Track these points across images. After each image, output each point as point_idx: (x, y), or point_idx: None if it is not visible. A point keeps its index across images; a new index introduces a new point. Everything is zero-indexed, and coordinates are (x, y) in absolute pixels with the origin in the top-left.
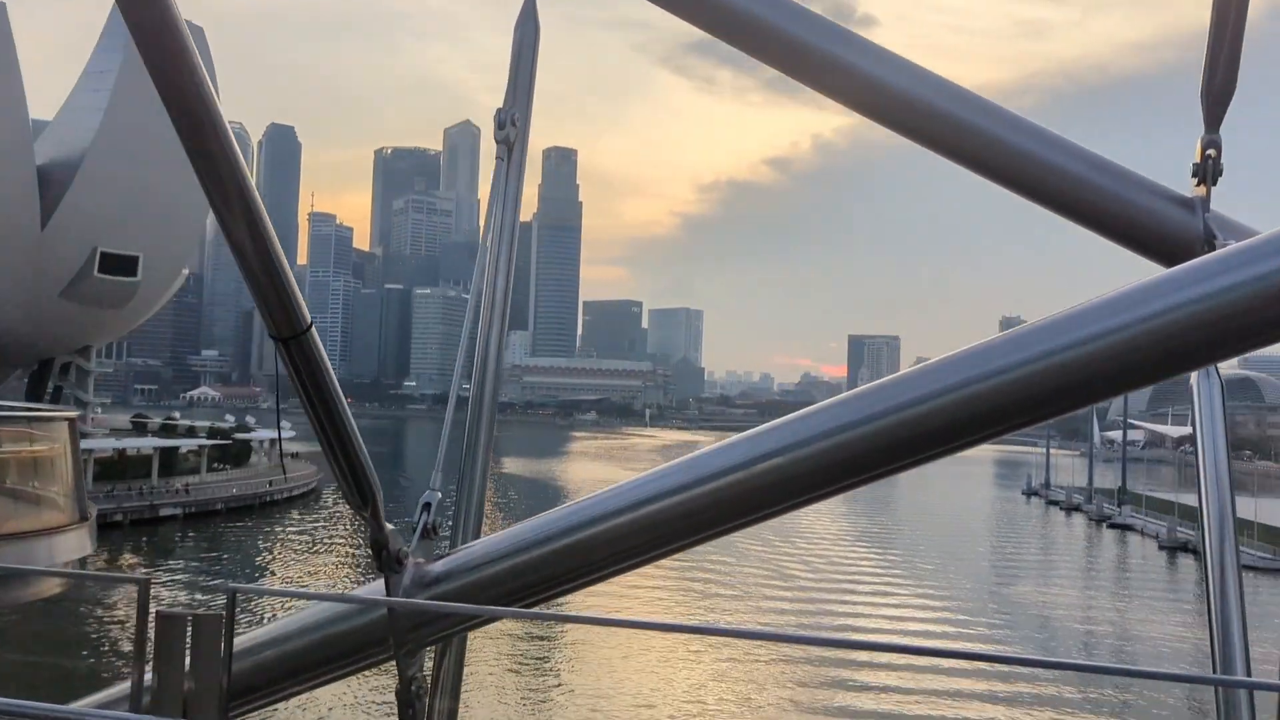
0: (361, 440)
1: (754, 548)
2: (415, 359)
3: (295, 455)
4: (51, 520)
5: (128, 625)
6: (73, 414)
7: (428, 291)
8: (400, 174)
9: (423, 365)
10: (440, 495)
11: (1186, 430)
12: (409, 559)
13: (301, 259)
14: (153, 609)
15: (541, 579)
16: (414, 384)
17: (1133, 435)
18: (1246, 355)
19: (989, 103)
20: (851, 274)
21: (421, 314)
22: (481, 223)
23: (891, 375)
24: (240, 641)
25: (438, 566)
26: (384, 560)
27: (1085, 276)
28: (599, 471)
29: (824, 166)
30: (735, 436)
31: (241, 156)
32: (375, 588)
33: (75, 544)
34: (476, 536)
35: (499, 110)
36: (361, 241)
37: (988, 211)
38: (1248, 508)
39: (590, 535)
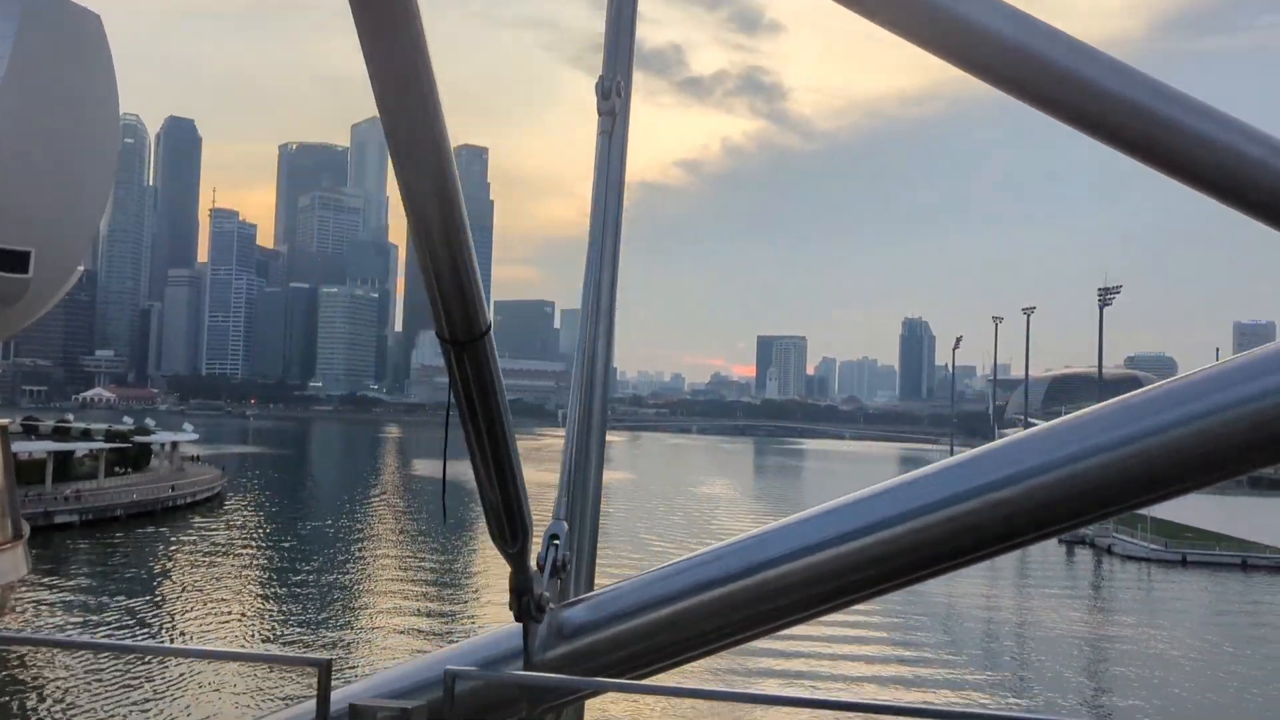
0: (521, 466)
1: (662, 544)
2: (322, 359)
3: (196, 458)
4: None
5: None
6: (3, 421)
7: (335, 290)
8: (306, 170)
9: (329, 366)
10: (566, 526)
11: None
12: (549, 605)
13: (202, 257)
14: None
15: (705, 631)
16: (320, 385)
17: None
18: (1130, 353)
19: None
20: (760, 275)
21: (328, 313)
22: (589, 204)
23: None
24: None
25: (577, 613)
26: (524, 607)
27: (981, 282)
28: None
29: (733, 169)
30: (947, 462)
31: (451, 146)
32: (498, 638)
33: (9, 566)
34: (592, 574)
35: (600, 79)
36: (266, 239)
37: (888, 215)
38: None
39: (771, 578)
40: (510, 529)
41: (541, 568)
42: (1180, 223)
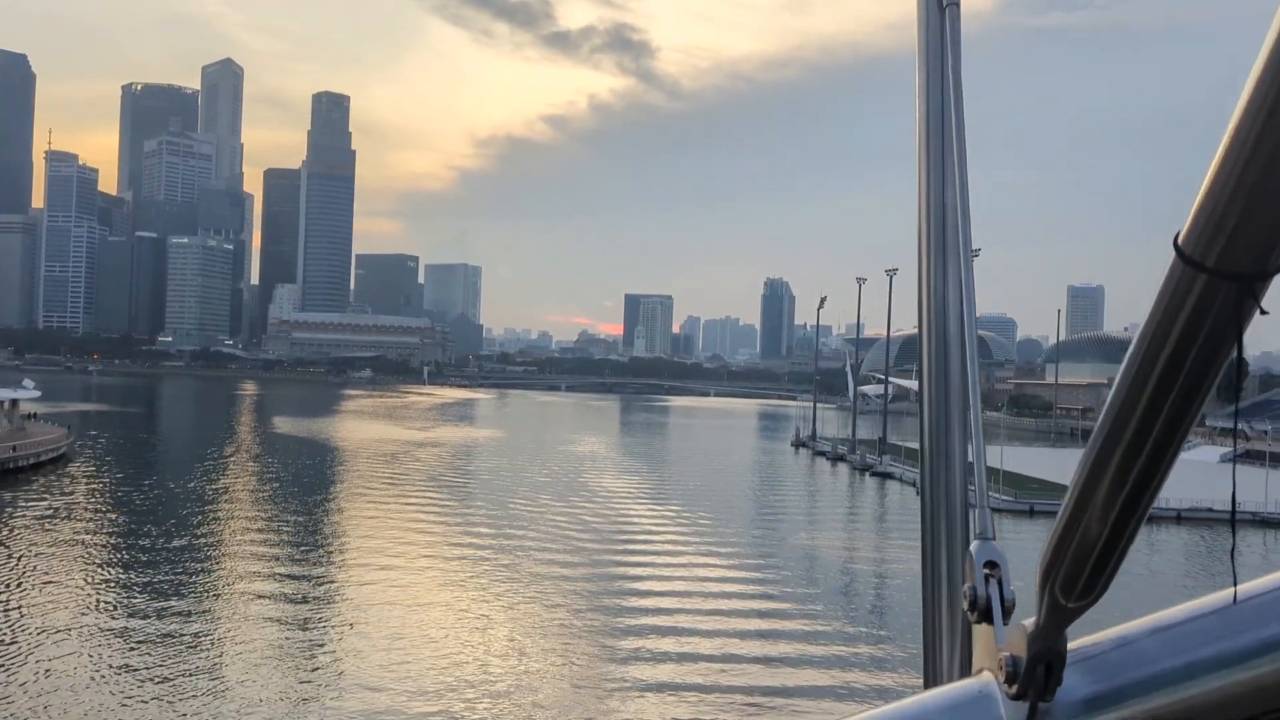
0: None
1: (529, 508)
2: (171, 313)
3: (33, 416)
4: None
5: None
6: None
7: (185, 241)
8: (153, 113)
9: (180, 320)
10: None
11: None
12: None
13: (37, 202)
14: None
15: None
16: (170, 340)
17: (881, 389)
18: (977, 315)
19: None
20: (627, 234)
21: (178, 265)
22: (916, 108)
23: None
24: None
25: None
26: (1030, 680)
27: (849, 241)
28: (377, 431)
29: (600, 126)
30: None
31: None
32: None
33: None
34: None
35: None
36: (108, 185)
37: (752, 175)
38: (995, 456)
39: None
40: (1092, 576)
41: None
42: (1018, 191)
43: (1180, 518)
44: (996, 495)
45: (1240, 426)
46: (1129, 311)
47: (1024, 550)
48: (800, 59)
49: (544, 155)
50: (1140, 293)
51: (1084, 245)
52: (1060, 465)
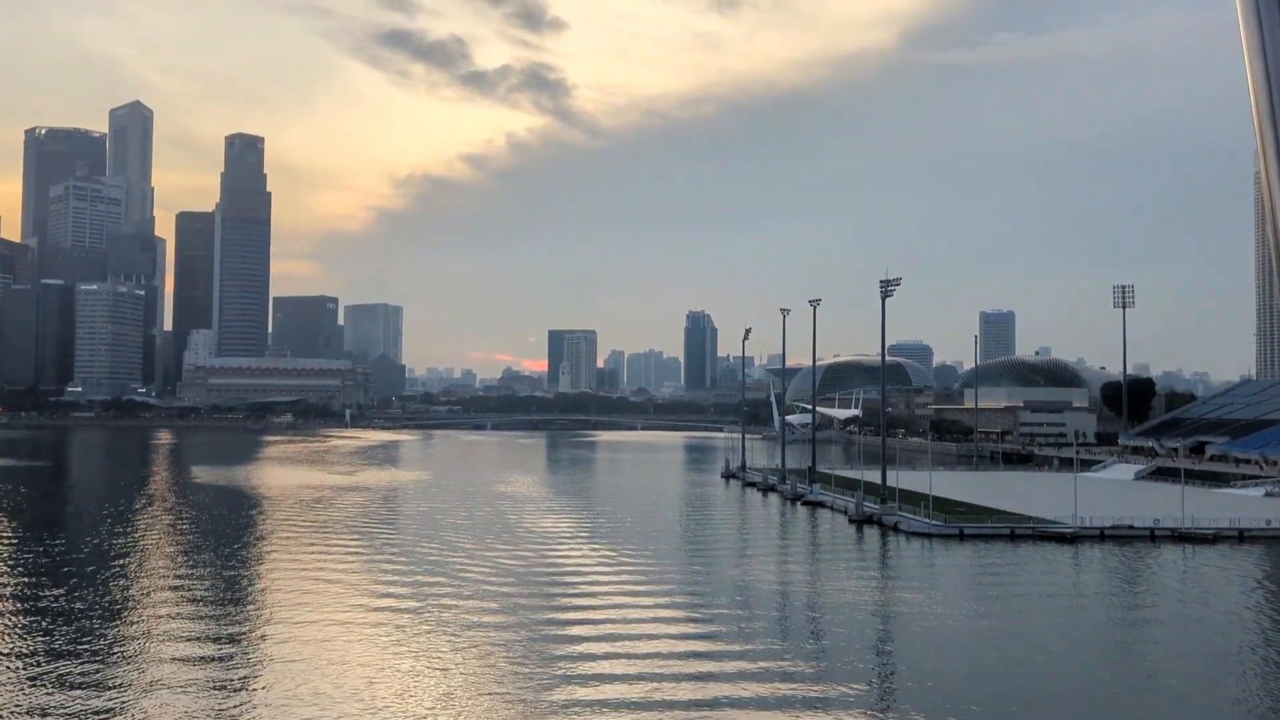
0: None
1: (456, 554)
2: (80, 362)
3: None
4: None
5: None
6: None
7: (94, 287)
8: (58, 157)
9: (90, 369)
10: None
11: (852, 412)
12: None
13: None
14: None
15: None
16: (79, 390)
17: (806, 419)
18: (892, 342)
19: None
20: (549, 270)
21: (87, 312)
22: (1250, 81)
23: None
24: None
25: None
26: None
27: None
28: (298, 477)
29: (519, 164)
30: None
31: None
32: None
33: None
34: None
35: None
36: (11, 232)
37: (670, 210)
38: (921, 481)
39: None
40: None
41: None
42: (929, 220)
43: (1103, 535)
44: (924, 520)
45: (1150, 444)
46: (1040, 335)
47: (959, 573)
48: (715, 96)
49: (463, 194)
50: (1050, 316)
51: (997, 272)
52: (984, 489)
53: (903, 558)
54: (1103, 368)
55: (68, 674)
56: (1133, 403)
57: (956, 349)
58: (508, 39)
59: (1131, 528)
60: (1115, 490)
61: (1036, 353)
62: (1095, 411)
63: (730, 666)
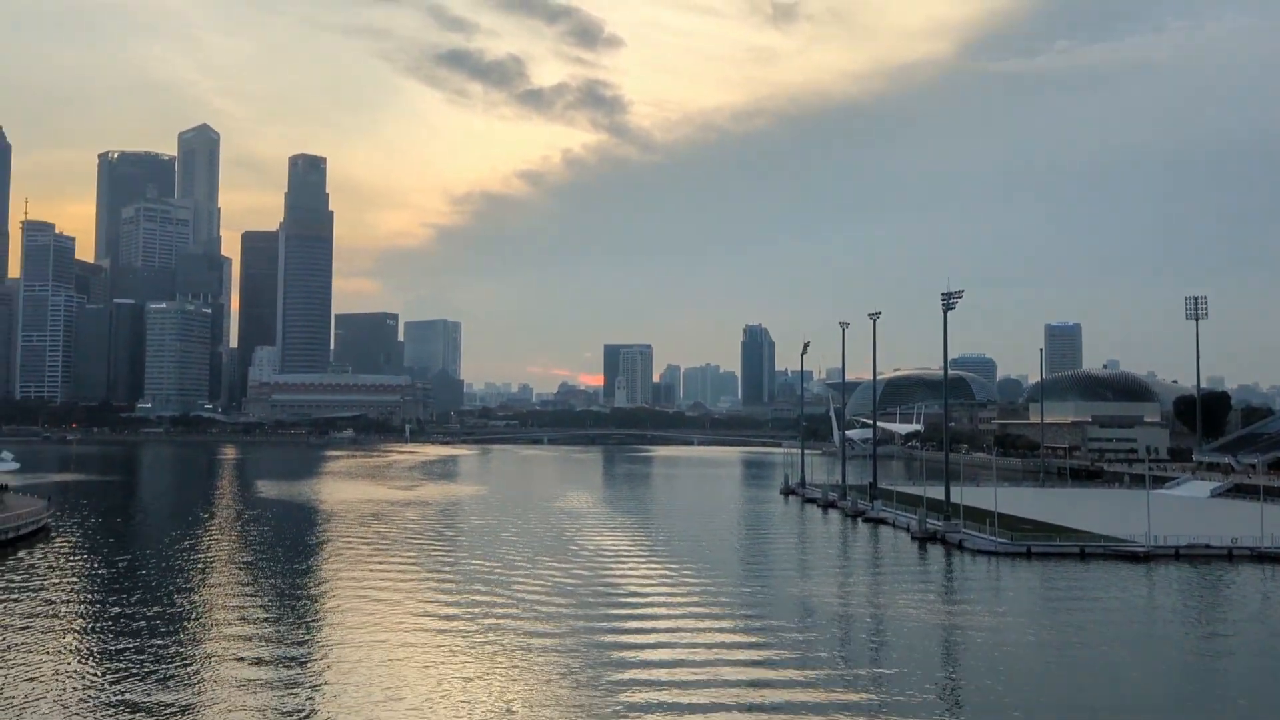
0: None
1: (514, 570)
2: (150, 379)
3: (4, 488)
4: None
5: None
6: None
7: (163, 306)
8: (130, 180)
9: (159, 386)
10: None
11: (913, 427)
12: None
13: (14, 271)
14: None
15: None
16: (149, 406)
17: (866, 433)
18: (954, 355)
19: None
20: (604, 284)
21: (156, 330)
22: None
23: None
24: None
25: None
26: None
27: (827, 287)
28: (359, 492)
29: (575, 180)
30: None
31: None
32: None
33: None
34: None
35: None
36: (86, 253)
37: (726, 223)
38: (986, 497)
39: None
40: None
41: None
42: (991, 231)
43: (1178, 554)
44: (989, 537)
45: (1226, 460)
46: (1107, 348)
47: (1027, 592)
48: (769, 109)
49: (520, 210)
50: (1118, 329)
51: (1061, 284)
52: (1052, 506)
53: (968, 576)
54: (1174, 381)
55: (132, 687)
56: (1207, 417)
57: (1021, 362)
58: (564, 57)
59: (1208, 547)
60: (1190, 508)
61: (1104, 366)
62: (1168, 426)
63: (790, 686)
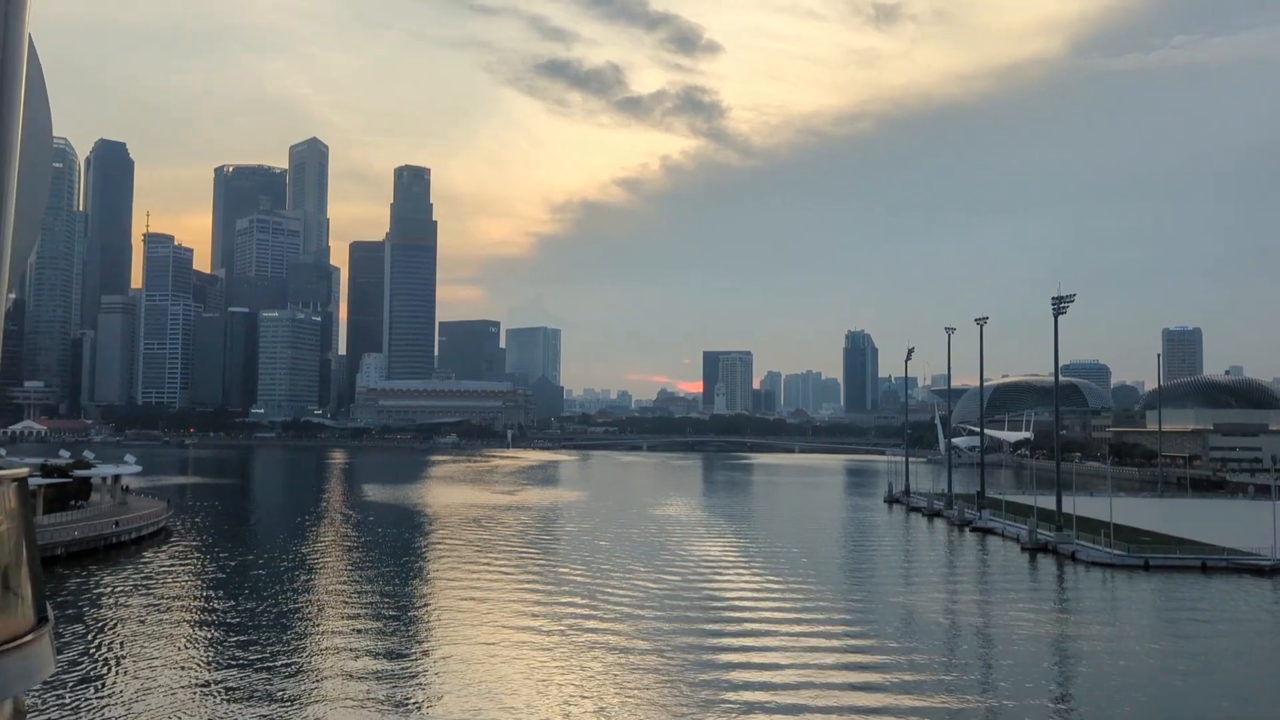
0: None
1: (615, 576)
2: (263, 385)
3: (126, 490)
4: (11, 628)
5: None
6: (22, 472)
7: (275, 314)
8: (243, 193)
9: (271, 392)
10: None
11: (1022, 435)
12: None
13: (136, 283)
14: None
15: None
16: (261, 411)
17: (973, 441)
18: (1066, 361)
19: None
20: (703, 291)
21: (269, 338)
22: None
23: None
24: None
25: None
26: None
27: (930, 292)
28: (464, 496)
29: (673, 186)
30: None
31: None
32: None
33: (37, 662)
34: None
35: None
36: (202, 263)
37: (826, 229)
38: (1100, 508)
39: None
40: None
41: None
42: (1105, 233)
43: None
44: (1104, 549)
45: None
46: (1229, 354)
47: (1144, 606)
48: (871, 112)
49: (618, 217)
50: (1241, 334)
51: (1180, 287)
52: (1171, 517)
53: (1081, 589)
54: None
55: (238, 676)
56: None
57: (1136, 368)
58: (662, 64)
59: None
60: None
61: (1226, 372)
62: None
63: (895, 698)
